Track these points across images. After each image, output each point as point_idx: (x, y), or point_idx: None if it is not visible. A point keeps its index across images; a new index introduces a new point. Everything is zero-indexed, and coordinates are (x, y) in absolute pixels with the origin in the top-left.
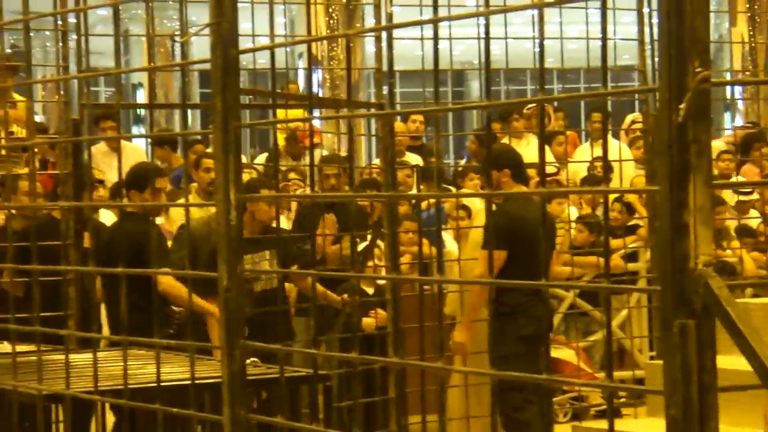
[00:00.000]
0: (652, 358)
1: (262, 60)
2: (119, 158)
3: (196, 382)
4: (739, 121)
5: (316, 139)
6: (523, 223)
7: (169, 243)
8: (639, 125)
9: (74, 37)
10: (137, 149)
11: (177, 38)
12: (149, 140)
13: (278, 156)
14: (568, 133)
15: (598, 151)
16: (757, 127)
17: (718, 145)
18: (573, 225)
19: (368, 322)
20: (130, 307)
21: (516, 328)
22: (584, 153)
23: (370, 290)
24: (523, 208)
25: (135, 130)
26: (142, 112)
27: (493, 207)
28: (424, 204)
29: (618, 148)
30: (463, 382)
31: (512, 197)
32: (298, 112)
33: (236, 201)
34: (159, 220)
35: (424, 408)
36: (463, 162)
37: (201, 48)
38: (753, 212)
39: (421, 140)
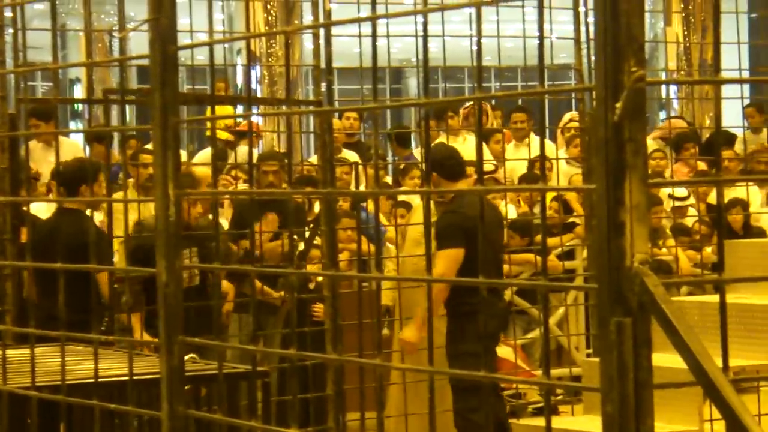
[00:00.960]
0: (588, 355)
1: (201, 56)
2: (57, 153)
3: (135, 377)
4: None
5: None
6: (476, 222)
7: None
8: (575, 124)
9: (11, 31)
10: (74, 144)
11: (115, 33)
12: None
13: (217, 152)
14: (505, 131)
15: (524, 151)
16: (691, 126)
17: (648, 143)
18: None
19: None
20: (66, 303)
21: (475, 327)
22: (513, 153)
23: (311, 285)
24: (475, 207)
25: (72, 125)
26: (80, 107)
27: (433, 207)
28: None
29: (552, 147)
30: (402, 379)
31: (451, 194)
32: (230, 110)
33: (175, 197)
34: (98, 216)
35: (362, 405)
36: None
37: (139, 43)
38: (691, 210)
39: (357, 137)
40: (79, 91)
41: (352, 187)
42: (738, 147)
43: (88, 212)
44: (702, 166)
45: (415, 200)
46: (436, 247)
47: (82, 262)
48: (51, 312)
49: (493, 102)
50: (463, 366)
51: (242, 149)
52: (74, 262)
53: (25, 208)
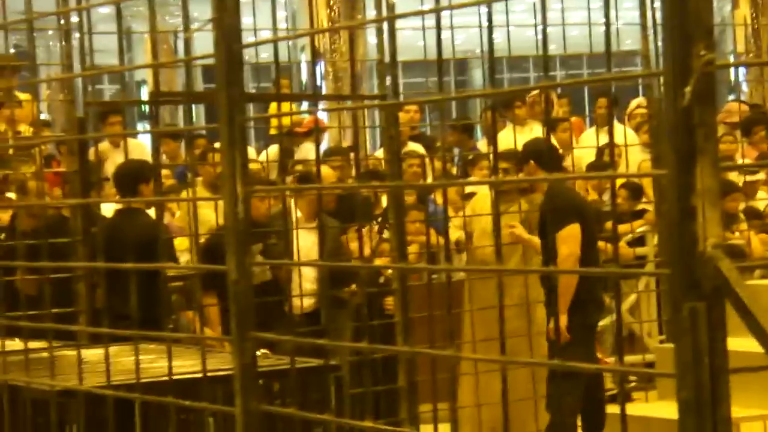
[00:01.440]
0: (661, 342)
1: (265, 54)
2: (125, 154)
3: (208, 375)
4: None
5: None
6: (586, 202)
7: (179, 240)
8: (643, 110)
9: (77, 35)
10: (140, 145)
11: (180, 34)
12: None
13: (284, 150)
14: (572, 119)
15: (604, 137)
16: (754, 108)
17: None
18: None
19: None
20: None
21: (584, 316)
22: (590, 139)
23: (380, 280)
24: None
25: (140, 126)
26: (147, 108)
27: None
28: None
29: (623, 133)
30: (474, 369)
31: (521, 184)
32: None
33: (243, 194)
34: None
35: (435, 396)
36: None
37: (204, 43)
38: (760, 194)
39: (419, 130)
40: (145, 93)
41: (421, 180)
42: None
43: (149, 212)
44: None
45: (483, 191)
46: (553, 229)
47: (144, 260)
48: (119, 311)
49: (559, 90)
50: (568, 355)
51: (306, 146)
52: (136, 261)
53: (96, 210)
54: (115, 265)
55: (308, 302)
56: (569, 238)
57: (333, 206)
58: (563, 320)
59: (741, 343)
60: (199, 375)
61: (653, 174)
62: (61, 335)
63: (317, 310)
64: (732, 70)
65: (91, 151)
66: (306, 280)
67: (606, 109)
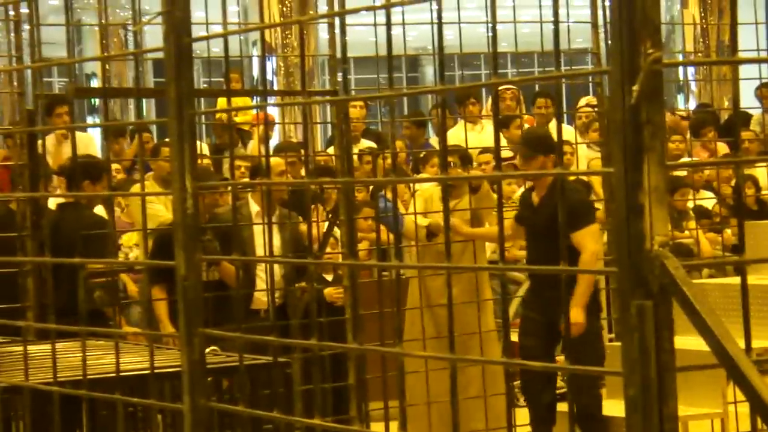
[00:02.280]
0: (611, 339)
1: (216, 48)
2: (74, 147)
3: (156, 371)
4: (692, 103)
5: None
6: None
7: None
8: (588, 109)
9: (27, 27)
10: (87, 137)
11: (130, 27)
12: (103, 130)
13: (234, 145)
14: (526, 117)
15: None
16: (706, 108)
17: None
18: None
19: (329, 291)
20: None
21: (596, 307)
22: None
23: (329, 277)
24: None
25: (89, 119)
26: (96, 101)
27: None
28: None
29: (570, 132)
30: (424, 367)
31: (460, 182)
32: (246, 101)
33: (192, 189)
34: (99, 209)
35: (385, 394)
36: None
37: (154, 37)
38: (708, 193)
39: (366, 126)
40: (95, 86)
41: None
42: (756, 127)
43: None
44: (724, 149)
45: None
46: (575, 226)
47: (81, 255)
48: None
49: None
50: (593, 344)
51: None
52: (72, 256)
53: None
54: (62, 260)
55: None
56: (595, 235)
57: (285, 196)
58: (582, 315)
59: (688, 342)
60: (147, 371)
61: (601, 172)
62: (7, 331)
63: (284, 305)
64: (681, 69)
65: (40, 143)
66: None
67: (545, 108)
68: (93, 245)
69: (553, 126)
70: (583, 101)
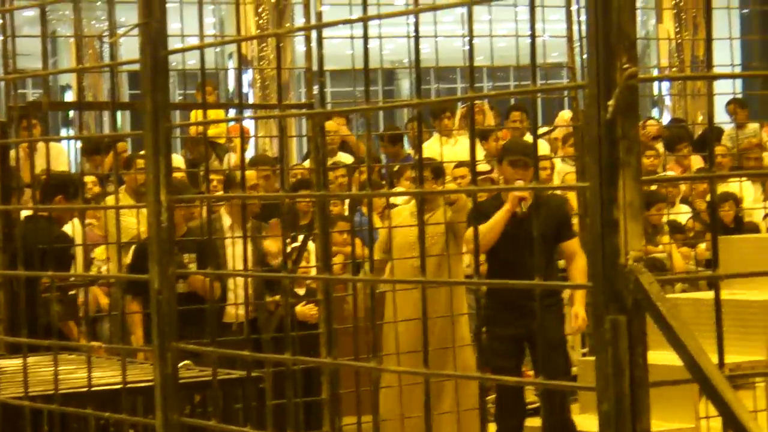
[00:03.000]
0: (584, 354)
1: (192, 61)
2: (48, 159)
3: (128, 386)
4: (666, 117)
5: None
6: None
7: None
8: (566, 123)
9: (0, 38)
10: (57, 147)
11: (105, 39)
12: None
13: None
14: (503, 130)
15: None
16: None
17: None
18: None
19: (302, 310)
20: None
21: (561, 316)
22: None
23: (301, 291)
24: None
25: (64, 132)
26: (71, 113)
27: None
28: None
29: (546, 146)
30: (397, 382)
31: (443, 195)
32: (220, 113)
33: (167, 202)
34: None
35: (359, 409)
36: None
37: (130, 49)
38: (684, 207)
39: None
40: (70, 98)
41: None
42: (727, 142)
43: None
44: (699, 162)
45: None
46: (570, 234)
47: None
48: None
49: (487, 102)
50: (563, 356)
51: (233, 155)
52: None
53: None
54: (35, 273)
55: (243, 311)
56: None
57: (257, 209)
58: (584, 311)
59: (662, 356)
60: (120, 386)
61: (577, 187)
62: None
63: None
64: (655, 83)
65: (13, 155)
66: (241, 288)
67: (520, 122)
68: (54, 260)
69: (527, 139)
70: (560, 116)
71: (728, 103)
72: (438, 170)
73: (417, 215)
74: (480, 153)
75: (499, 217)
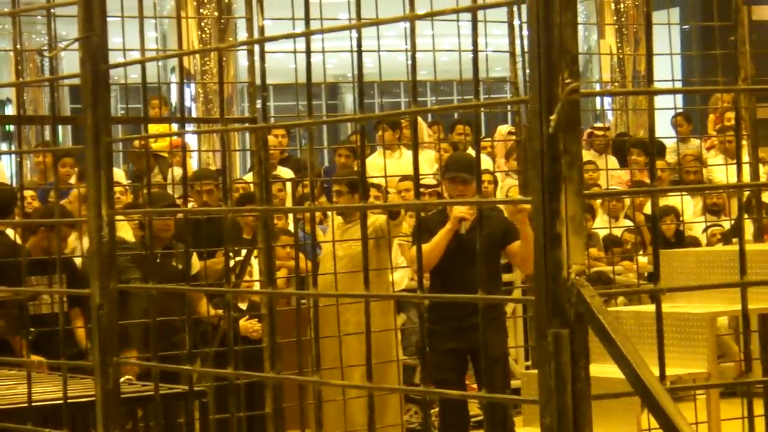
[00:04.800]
0: (528, 368)
1: (135, 75)
2: None
3: (69, 401)
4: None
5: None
6: None
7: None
8: (501, 136)
9: None
10: None
11: (45, 53)
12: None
13: (150, 172)
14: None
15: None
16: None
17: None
18: None
19: (245, 324)
20: None
21: (504, 330)
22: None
23: (244, 305)
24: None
25: (3, 146)
26: (11, 128)
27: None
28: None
29: (489, 161)
30: (341, 395)
31: (387, 209)
32: (165, 128)
33: (108, 217)
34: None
35: (303, 423)
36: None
37: (72, 62)
38: (625, 221)
39: (287, 154)
40: (10, 112)
41: (288, 204)
42: (670, 157)
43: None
44: (638, 175)
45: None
46: (513, 238)
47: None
48: None
49: (430, 117)
50: (504, 370)
51: (176, 170)
52: None
53: None
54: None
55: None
56: None
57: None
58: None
59: (604, 369)
60: (61, 401)
61: (520, 201)
62: None
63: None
64: (598, 98)
65: None
66: None
67: (464, 135)
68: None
69: (470, 153)
70: (502, 130)
71: (674, 116)
72: (354, 184)
73: (361, 228)
74: (428, 167)
75: (441, 236)
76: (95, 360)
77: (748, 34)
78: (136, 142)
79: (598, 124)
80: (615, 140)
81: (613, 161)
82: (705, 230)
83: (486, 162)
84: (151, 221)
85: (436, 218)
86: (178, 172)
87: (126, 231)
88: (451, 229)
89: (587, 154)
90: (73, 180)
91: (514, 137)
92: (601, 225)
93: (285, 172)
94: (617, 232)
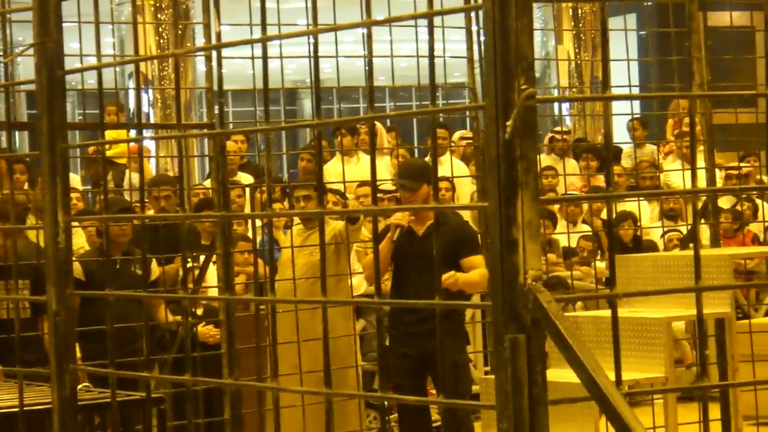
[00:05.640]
0: (487, 373)
1: (92, 80)
2: None
3: (26, 408)
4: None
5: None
6: None
7: None
8: (463, 142)
9: None
10: None
11: (1, 58)
12: None
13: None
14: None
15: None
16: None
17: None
18: None
19: (203, 330)
20: None
21: (463, 337)
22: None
23: (200, 311)
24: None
25: None
26: None
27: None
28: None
29: (453, 165)
30: (300, 401)
31: (338, 215)
32: (122, 134)
33: (64, 223)
34: None
35: (262, 428)
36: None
37: (28, 68)
38: (584, 227)
39: (247, 159)
40: None
41: (247, 210)
42: (626, 162)
43: None
44: (575, 170)
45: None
46: (473, 250)
47: None
48: None
49: (389, 122)
50: (465, 375)
51: (134, 176)
52: None
53: None
54: None
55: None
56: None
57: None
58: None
59: (562, 374)
60: (17, 409)
61: (476, 206)
62: None
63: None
64: (556, 104)
65: None
66: None
67: (439, 140)
68: None
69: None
70: (457, 135)
71: (630, 120)
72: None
73: (319, 234)
74: (386, 172)
75: (382, 245)
76: (52, 367)
77: (703, 40)
78: (91, 148)
79: (559, 128)
80: (574, 145)
81: (573, 164)
82: (663, 235)
83: (458, 168)
84: (108, 227)
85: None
86: (136, 177)
87: (79, 236)
88: (390, 236)
89: (548, 159)
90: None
91: (465, 142)
92: (560, 230)
93: (246, 177)
94: (576, 237)
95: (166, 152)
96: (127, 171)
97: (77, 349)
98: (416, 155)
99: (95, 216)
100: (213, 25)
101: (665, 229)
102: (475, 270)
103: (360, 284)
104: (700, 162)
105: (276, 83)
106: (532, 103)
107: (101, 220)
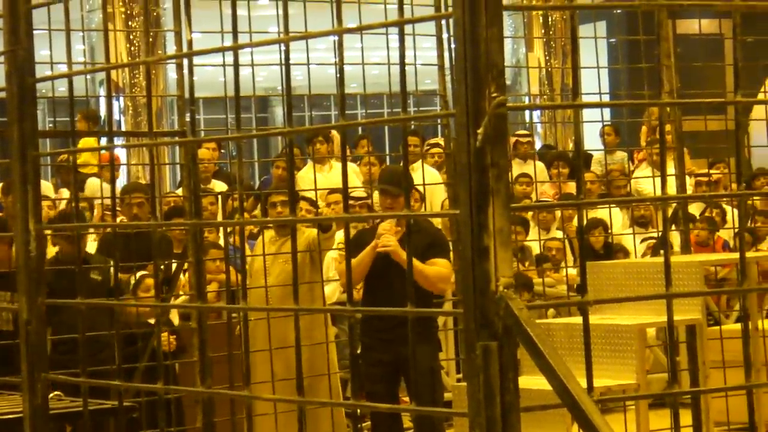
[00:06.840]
0: (459, 380)
1: (62, 88)
2: None
3: None
4: (537, 144)
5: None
6: None
7: None
8: (438, 150)
9: None
10: None
11: None
12: None
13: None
14: (372, 159)
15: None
16: (551, 149)
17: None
18: None
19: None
20: None
21: (434, 342)
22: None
23: (176, 320)
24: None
25: None
26: None
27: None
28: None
29: (426, 172)
30: (272, 409)
31: (313, 222)
32: (92, 141)
33: (36, 232)
34: None
35: None
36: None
37: None
38: (557, 233)
39: (219, 167)
40: None
41: (219, 218)
42: (596, 168)
43: None
44: (545, 176)
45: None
46: (434, 254)
47: None
48: None
49: (360, 129)
50: (438, 383)
51: (105, 185)
52: None
53: None
54: None
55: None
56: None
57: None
58: (403, 254)
59: (535, 381)
60: None
61: (447, 214)
62: None
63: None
64: (527, 111)
65: None
66: None
67: (410, 147)
68: None
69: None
70: (431, 142)
71: (603, 126)
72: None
73: (291, 242)
74: (357, 180)
75: (366, 253)
76: (23, 376)
77: (673, 48)
78: (63, 156)
79: (521, 131)
80: (540, 152)
81: (540, 167)
82: (643, 242)
83: (431, 175)
84: (79, 236)
85: (369, 233)
86: (107, 186)
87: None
88: (373, 246)
89: (512, 164)
90: None
91: (436, 149)
92: (533, 237)
93: (219, 185)
94: (548, 244)
95: (138, 160)
96: (98, 179)
97: None
98: (388, 163)
99: (66, 225)
100: (184, 33)
101: (639, 236)
102: (434, 266)
103: (333, 292)
104: (671, 169)
105: (247, 91)
106: (503, 110)
107: (73, 228)
